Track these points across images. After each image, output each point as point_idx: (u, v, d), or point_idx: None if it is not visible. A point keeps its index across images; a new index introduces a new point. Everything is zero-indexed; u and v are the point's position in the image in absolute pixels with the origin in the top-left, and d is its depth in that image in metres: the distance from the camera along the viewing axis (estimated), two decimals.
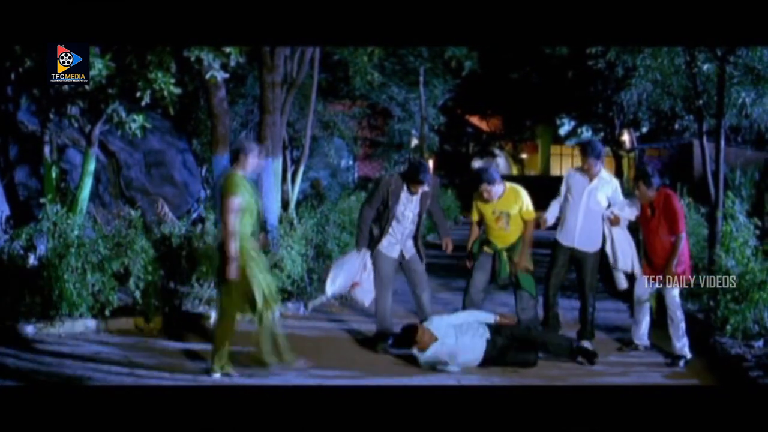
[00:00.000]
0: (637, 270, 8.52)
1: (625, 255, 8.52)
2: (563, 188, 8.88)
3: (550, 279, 8.86)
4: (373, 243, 8.62)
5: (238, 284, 7.47)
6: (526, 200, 8.71)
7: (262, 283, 7.59)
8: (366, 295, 8.57)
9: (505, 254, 8.69)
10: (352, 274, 8.47)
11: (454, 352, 7.89)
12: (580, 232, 8.64)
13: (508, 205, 8.68)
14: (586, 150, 8.67)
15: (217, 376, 7.51)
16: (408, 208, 8.58)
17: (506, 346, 8.02)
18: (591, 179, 8.61)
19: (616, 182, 8.79)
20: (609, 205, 8.61)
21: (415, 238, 8.75)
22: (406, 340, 8.10)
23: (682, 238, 8.18)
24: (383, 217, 8.56)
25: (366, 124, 29.34)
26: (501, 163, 47.26)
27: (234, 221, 7.35)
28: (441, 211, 9.15)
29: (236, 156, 7.76)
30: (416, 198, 8.59)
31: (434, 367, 7.86)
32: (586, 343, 8.58)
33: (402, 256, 8.71)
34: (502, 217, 8.67)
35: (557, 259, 8.83)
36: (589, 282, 8.74)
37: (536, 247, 8.99)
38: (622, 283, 8.62)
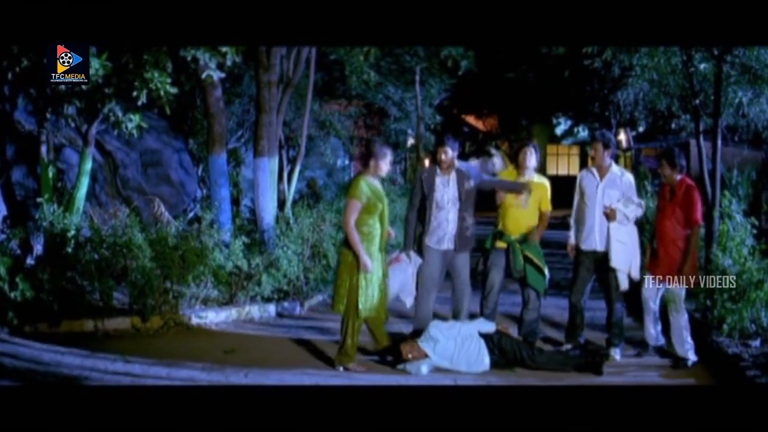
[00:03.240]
0: (635, 273, 8.43)
1: (620, 253, 8.35)
2: (577, 193, 8.76)
3: (576, 284, 8.74)
4: (420, 241, 8.57)
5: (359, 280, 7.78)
6: (548, 193, 8.77)
7: (371, 288, 7.86)
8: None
9: (518, 245, 8.61)
10: (408, 279, 8.38)
11: (453, 366, 7.85)
12: (600, 234, 8.49)
13: (533, 192, 8.66)
14: (598, 141, 8.57)
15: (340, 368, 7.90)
16: (445, 192, 8.45)
17: (511, 359, 7.99)
18: (602, 177, 8.52)
19: (629, 176, 8.62)
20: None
21: (461, 229, 8.49)
22: (396, 357, 8.04)
23: (697, 231, 8.16)
24: (425, 209, 8.51)
25: (362, 124, 29.31)
26: (497, 162, 47.22)
27: (352, 222, 7.72)
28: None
29: (367, 160, 7.91)
30: (452, 180, 8.47)
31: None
32: (615, 350, 8.48)
33: (450, 253, 8.52)
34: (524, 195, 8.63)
35: (581, 264, 8.70)
36: (615, 284, 8.52)
37: (546, 247, 8.96)
38: (623, 283, 8.44)
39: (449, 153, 8.46)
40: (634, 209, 8.39)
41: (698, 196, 8.18)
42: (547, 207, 8.76)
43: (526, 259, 8.60)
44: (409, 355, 7.86)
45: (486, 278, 8.79)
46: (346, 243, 7.79)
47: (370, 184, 7.83)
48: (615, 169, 8.59)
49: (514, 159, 8.88)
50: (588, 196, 8.58)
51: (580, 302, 8.73)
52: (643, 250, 8.60)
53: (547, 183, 8.88)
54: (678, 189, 8.18)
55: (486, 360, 7.85)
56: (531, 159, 8.70)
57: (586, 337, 8.91)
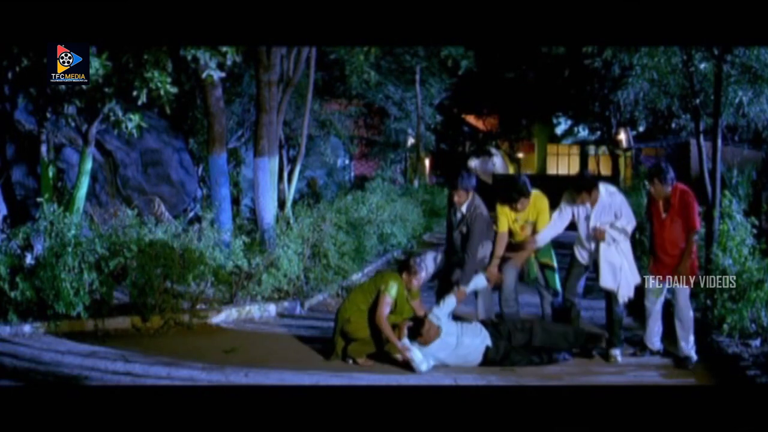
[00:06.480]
0: (624, 295, 8.29)
1: (608, 274, 8.26)
2: (566, 206, 8.59)
3: (568, 280, 8.73)
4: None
5: None
6: (547, 211, 8.78)
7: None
8: None
9: (532, 255, 8.86)
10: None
11: (453, 351, 7.96)
12: (588, 251, 8.49)
13: (535, 215, 8.77)
14: (576, 184, 8.42)
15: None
16: (454, 218, 8.89)
17: (509, 350, 8.04)
18: (592, 204, 8.37)
19: (619, 200, 8.36)
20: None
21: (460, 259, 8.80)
22: (412, 332, 8.10)
23: (696, 235, 8.16)
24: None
25: (362, 123, 29.38)
26: (497, 162, 47.30)
27: (384, 316, 8.09)
28: (472, 253, 8.61)
29: (401, 272, 8.40)
30: (459, 212, 8.78)
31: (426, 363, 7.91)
32: (615, 351, 8.36)
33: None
34: (527, 226, 8.80)
35: (573, 264, 8.68)
36: (613, 296, 8.45)
37: (557, 247, 8.99)
38: (622, 299, 8.33)
39: (462, 196, 8.71)
40: (622, 228, 8.26)
41: (694, 200, 8.15)
42: (543, 226, 8.73)
43: (544, 265, 8.85)
44: (427, 334, 7.98)
45: (502, 279, 8.88)
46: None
47: (401, 290, 8.20)
48: (602, 193, 8.36)
49: (509, 199, 8.74)
50: (579, 221, 8.53)
51: (570, 296, 8.72)
52: (642, 251, 8.57)
53: (544, 200, 8.84)
54: (673, 198, 8.13)
55: (482, 349, 8.03)
56: (524, 204, 8.69)
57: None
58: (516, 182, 8.73)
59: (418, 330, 8.00)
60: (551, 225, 8.65)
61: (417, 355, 7.84)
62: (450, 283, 8.76)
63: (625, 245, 8.35)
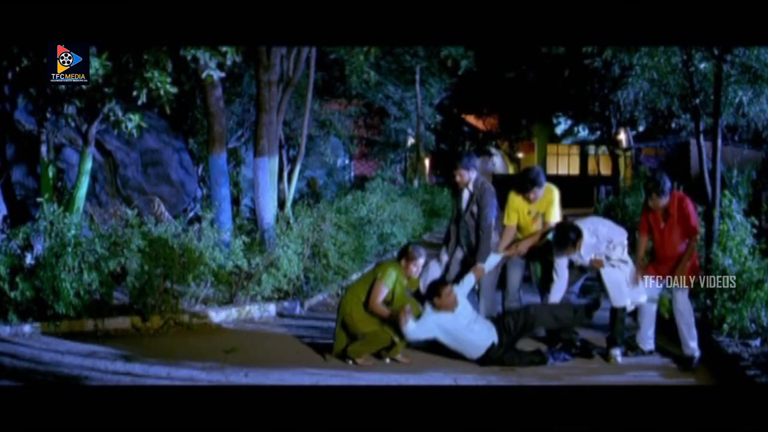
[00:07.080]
0: (634, 301, 8.32)
1: (616, 293, 8.24)
2: (561, 259, 8.53)
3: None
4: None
5: None
6: (556, 204, 8.78)
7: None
8: None
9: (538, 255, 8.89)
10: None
11: (460, 331, 8.02)
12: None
13: (544, 206, 8.77)
14: (560, 243, 8.35)
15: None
16: (460, 204, 8.85)
17: (509, 348, 8.08)
18: (580, 248, 8.36)
19: (605, 231, 8.34)
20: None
21: (473, 244, 8.76)
22: (429, 291, 8.17)
23: (697, 239, 8.18)
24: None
25: (362, 123, 29.40)
26: (497, 162, 47.35)
27: (378, 302, 8.04)
28: (487, 227, 8.63)
29: (400, 259, 8.33)
30: (465, 195, 8.77)
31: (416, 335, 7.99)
32: (616, 350, 8.34)
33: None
34: (538, 217, 8.79)
35: (573, 267, 8.67)
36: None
37: None
38: (629, 308, 8.36)
39: (464, 175, 8.73)
40: (618, 259, 8.30)
41: (691, 203, 8.19)
42: (550, 218, 8.74)
43: (550, 264, 8.72)
44: (445, 299, 8.03)
45: (506, 277, 8.95)
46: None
47: (399, 278, 8.15)
48: (587, 237, 8.28)
49: (522, 189, 8.75)
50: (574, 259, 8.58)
51: (565, 297, 8.74)
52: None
53: (555, 191, 8.84)
54: (671, 208, 8.15)
55: (487, 344, 8.04)
56: (538, 193, 8.68)
57: (583, 337, 8.90)
58: (529, 172, 8.76)
59: (438, 291, 8.05)
60: (559, 285, 8.52)
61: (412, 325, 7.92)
62: (467, 264, 8.75)
63: (626, 262, 8.39)
